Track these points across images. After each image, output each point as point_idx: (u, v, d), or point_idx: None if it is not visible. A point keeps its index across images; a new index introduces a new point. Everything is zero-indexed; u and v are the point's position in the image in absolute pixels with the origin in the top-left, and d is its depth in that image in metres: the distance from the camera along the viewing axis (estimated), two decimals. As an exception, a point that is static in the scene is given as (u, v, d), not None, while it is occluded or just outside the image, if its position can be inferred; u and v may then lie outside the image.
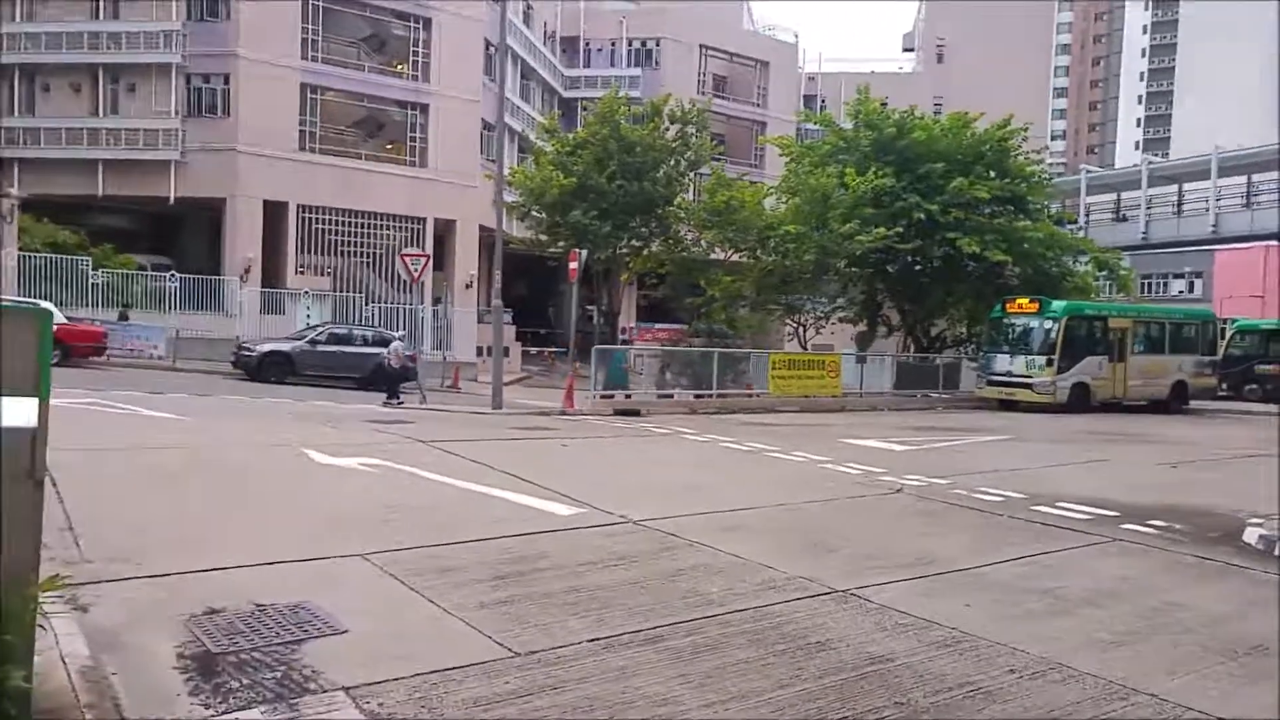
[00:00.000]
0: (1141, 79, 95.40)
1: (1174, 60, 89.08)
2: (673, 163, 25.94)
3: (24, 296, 22.67)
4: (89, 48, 31.11)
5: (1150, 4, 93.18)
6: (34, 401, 2.95)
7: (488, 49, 34.36)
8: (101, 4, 31.61)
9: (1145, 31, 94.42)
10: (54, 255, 26.35)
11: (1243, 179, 41.27)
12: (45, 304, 20.42)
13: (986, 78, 58.56)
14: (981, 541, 6.69)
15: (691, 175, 27.54)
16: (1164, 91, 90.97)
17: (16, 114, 31.21)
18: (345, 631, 4.13)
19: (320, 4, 32.15)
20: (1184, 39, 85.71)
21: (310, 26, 32.04)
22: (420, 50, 34.05)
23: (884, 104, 26.70)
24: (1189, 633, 4.71)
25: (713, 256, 26.41)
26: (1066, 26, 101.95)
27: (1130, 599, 5.31)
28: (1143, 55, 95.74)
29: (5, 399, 2.94)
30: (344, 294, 30.57)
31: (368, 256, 32.73)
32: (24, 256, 25.51)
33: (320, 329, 24.03)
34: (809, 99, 50.62)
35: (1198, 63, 79.24)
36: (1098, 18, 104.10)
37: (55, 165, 30.49)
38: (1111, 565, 6.12)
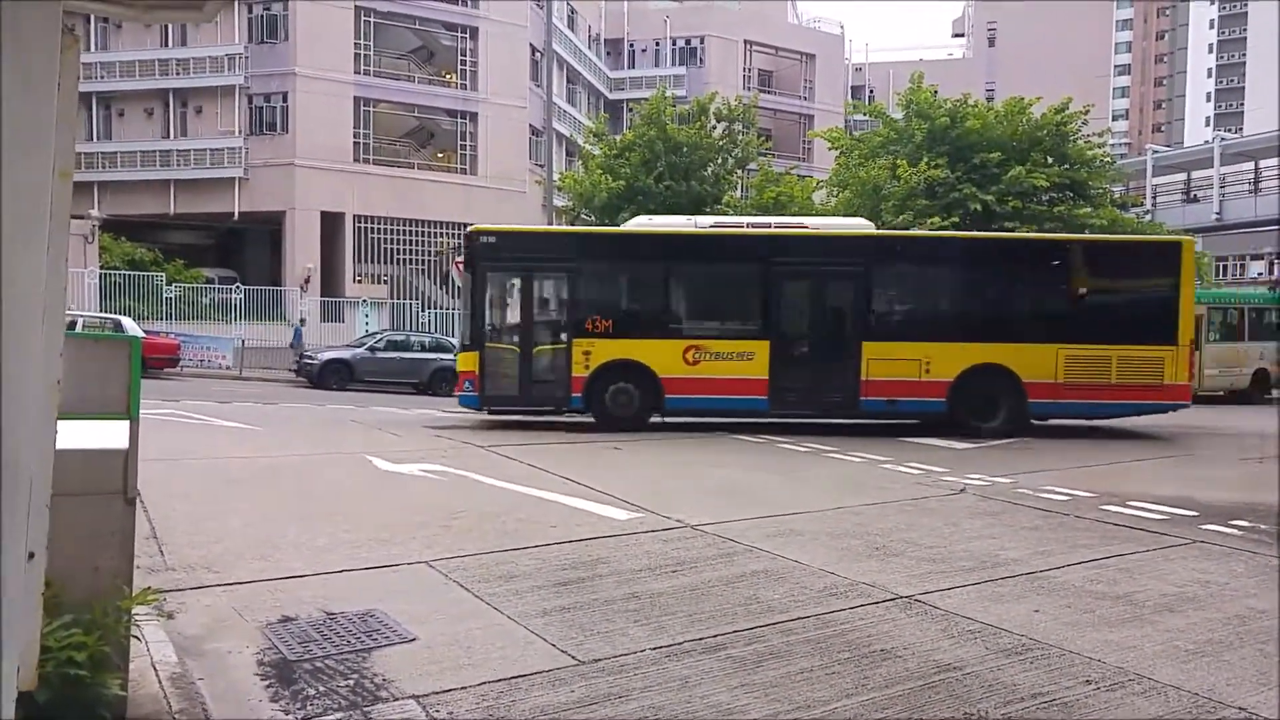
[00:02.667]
0: (1210, 50, 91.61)
1: (1245, 30, 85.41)
2: (720, 161, 25.88)
3: (106, 312, 23.69)
4: (159, 74, 32.53)
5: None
6: (126, 423, 3.10)
7: (533, 55, 34.72)
8: (170, 31, 32.94)
9: (1213, 0, 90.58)
10: (131, 272, 27.51)
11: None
12: (126, 320, 21.31)
13: (1041, 59, 57.09)
14: (1049, 543, 6.54)
15: (739, 172, 27.45)
16: (1235, 63, 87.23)
17: (95, 139, 32.68)
18: (413, 639, 4.23)
19: (371, 19, 32.89)
20: (1256, 6, 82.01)
21: (362, 42, 32.82)
22: (468, 59, 34.57)
23: (935, 92, 26.26)
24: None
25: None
26: (1127, 1, 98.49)
27: (1212, 605, 5.12)
28: (1210, 26, 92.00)
29: (100, 422, 3.10)
30: (400, 301, 31.22)
31: (422, 263, 33.38)
32: (104, 274, 26.66)
33: (379, 336, 24.57)
34: (856, 90, 50.01)
35: (1272, 32, 75.84)
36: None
37: (131, 186, 31.88)
38: (1190, 568, 5.91)
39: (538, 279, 13.60)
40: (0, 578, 1.51)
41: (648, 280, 13.79)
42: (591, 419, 13.31)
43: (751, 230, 14.17)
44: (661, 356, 13.07)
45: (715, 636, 4.38)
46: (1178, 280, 13.45)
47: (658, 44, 45.53)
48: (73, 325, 13.48)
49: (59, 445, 2.87)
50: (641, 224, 14.57)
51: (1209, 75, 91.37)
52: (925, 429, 13.15)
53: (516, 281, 13.63)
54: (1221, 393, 21.82)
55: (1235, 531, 7.03)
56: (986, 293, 14.13)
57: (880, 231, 14.55)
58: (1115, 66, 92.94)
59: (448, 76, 35.15)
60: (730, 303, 14.13)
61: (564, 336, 13.22)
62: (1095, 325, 13.65)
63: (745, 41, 45.36)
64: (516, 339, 13.37)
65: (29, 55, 1.80)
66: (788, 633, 4.47)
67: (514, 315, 13.68)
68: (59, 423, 2.89)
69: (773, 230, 14.18)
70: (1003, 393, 13.18)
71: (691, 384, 13.08)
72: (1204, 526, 7.17)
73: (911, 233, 15.44)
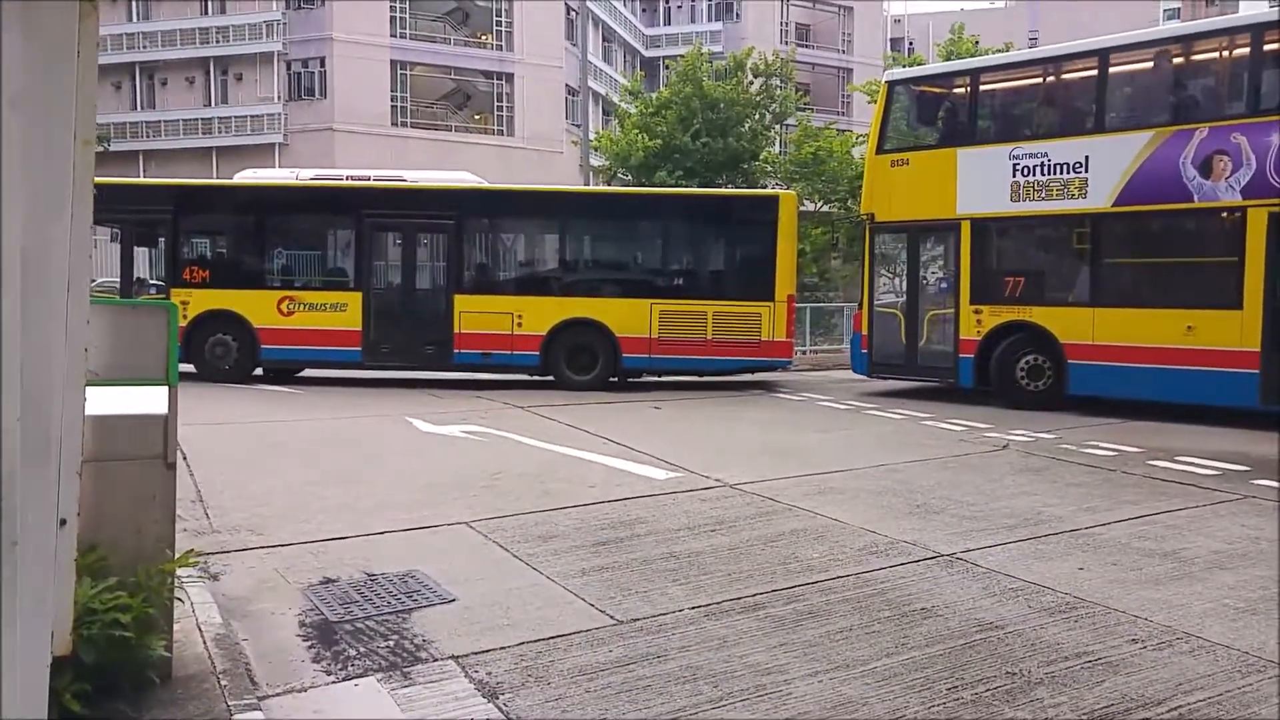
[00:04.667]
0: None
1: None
2: (757, 117, 25.44)
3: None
4: (200, 42, 32.94)
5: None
6: (164, 389, 3.14)
7: (568, 14, 34.26)
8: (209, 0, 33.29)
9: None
10: None
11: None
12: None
13: (1085, 8, 54.82)
14: (1094, 500, 6.41)
15: (777, 128, 26.95)
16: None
17: (138, 109, 33.25)
18: (453, 600, 4.28)
19: (406, -19, 32.72)
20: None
21: (398, 5, 32.69)
22: (503, 19, 34.27)
23: (976, 43, 25.49)
24: (1331, 597, 4.40)
25: (801, 209, 25.86)
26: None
27: (1263, 562, 4.98)
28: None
29: (139, 388, 3.15)
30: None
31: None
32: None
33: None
34: (896, 43, 48.60)
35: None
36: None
37: (174, 154, 32.39)
38: (1241, 525, 5.76)
39: (136, 230, 13.65)
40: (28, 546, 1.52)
41: (245, 232, 13.81)
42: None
43: (345, 183, 13.97)
44: (257, 307, 13.10)
45: (754, 596, 4.37)
46: (775, 235, 13.10)
47: (693, 0, 44.60)
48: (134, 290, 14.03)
49: (100, 412, 2.93)
50: (245, 177, 14.38)
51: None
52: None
53: (113, 231, 13.89)
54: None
55: (1290, 487, 6.83)
56: (580, 247, 14.16)
57: (474, 185, 14.05)
58: (1164, 11, 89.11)
59: (483, 38, 34.88)
60: (325, 254, 14.19)
61: (165, 287, 13.34)
62: (691, 281, 13.71)
63: (782, -6, 44.22)
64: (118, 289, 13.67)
65: (47, 24, 1.78)
66: (827, 592, 4.44)
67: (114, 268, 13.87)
68: (100, 389, 2.94)
69: (366, 183, 13.94)
70: (597, 347, 13.11)
71: (286, 335, 13.08)
72: (1256, 481, 6.98)
73: (504, 187, 15.18)
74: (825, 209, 25.16)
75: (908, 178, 12.34)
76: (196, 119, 33.02)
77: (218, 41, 32.72)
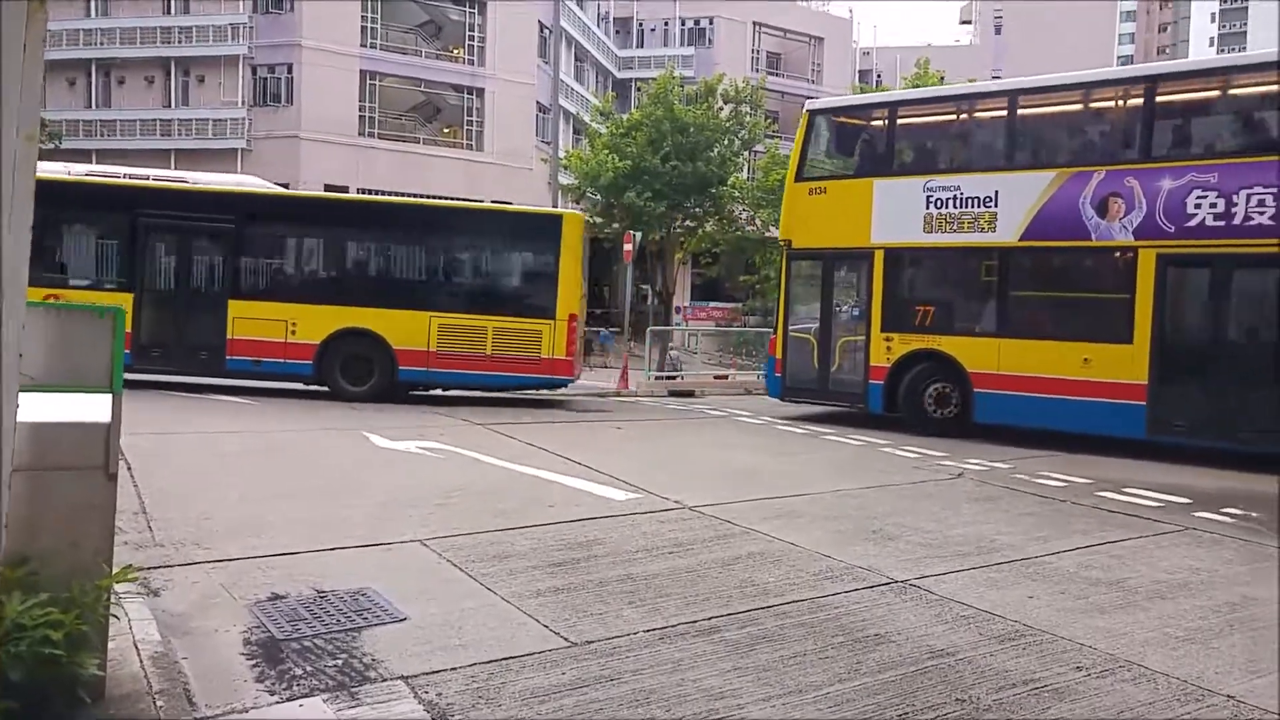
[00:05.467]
0: (1211, 44, 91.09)
1: (1245, 24, 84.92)
2: (726, 142, 25.73)
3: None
4: (161, 42, 32.30)
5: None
6: (108, 397, 3.04)
7: (542, 31, 34.36)
8: (173, -1, 32.73)
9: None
10: None
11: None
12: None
13: (1046, 47, 56.46)
14: (1045, 529, 6.52)
15: (746, 154, 27.28)
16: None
17: (93, 107, 32.49)
18: (404, 619, 4.20)
19: (378, -8, 32.57)
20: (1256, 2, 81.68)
21: (369, 15, 32.51)
22: (475, 34, 34.24)
23: (942, 78, 26.11)
24: (1268, 629, 4.50)
25: (767, 235, 26.17)
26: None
27: (1204, 592, 5.11)
28: (1212, 20, 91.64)
29: (81, 395, 3.05)
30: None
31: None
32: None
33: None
34: (864, 74, 49.52)
35: (1272, 26, 75.15)
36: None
37: (131, 155, 31.60)
38: (1183, 555, 5.90)
39: None
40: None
41: None
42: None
43: (121, 181, 13.56)
44: None
45: (709, 619, 4.35)
46: (558, 254, 13.28)
47: (666, 24, 45.03)
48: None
49: (38, 419, 2.83)
50: None
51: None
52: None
53: None
54: None
55: (1227, 519, 7.04)
56: (357, 257, 14.05)
57: (252, 190, 13.90)
58: (1119, 57, 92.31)
59: (455, 51, 34.81)
60: (97, 255, 13.73)
61: None
62: (472, 295, 13.66)
63: (754, 23, 44.84)
64: None
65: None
66: (782, 616, 4.44)
67: None
68: (39, 395, 2.84)
69: (142, 183, 13.62)
70: (373, 358, 13.05)
71: None
72: (1196, 513, 7.17)
73: (283, 192, 14.95)
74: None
75: (825, 206, 12.52)
76: (155, 120, 32.39)
77: (180, 42, 32.17)
